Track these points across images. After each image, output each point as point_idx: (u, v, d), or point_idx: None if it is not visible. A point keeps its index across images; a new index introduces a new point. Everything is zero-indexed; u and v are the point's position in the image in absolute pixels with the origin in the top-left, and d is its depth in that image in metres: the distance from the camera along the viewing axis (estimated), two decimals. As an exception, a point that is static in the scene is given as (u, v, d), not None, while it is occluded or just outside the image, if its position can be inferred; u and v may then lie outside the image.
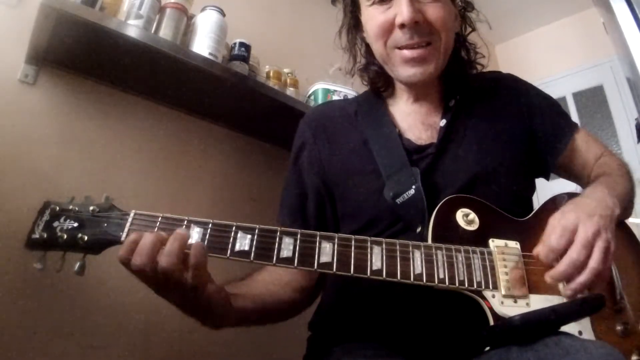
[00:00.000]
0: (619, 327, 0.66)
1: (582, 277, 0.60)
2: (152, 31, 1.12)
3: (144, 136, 1.28)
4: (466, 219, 0.68)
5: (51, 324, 1.00)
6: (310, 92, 1.51)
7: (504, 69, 1.02)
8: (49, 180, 1.08)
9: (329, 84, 1.49)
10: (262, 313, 0.74)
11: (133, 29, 1.05)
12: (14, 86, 1.09)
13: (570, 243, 0.61)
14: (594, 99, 2.60)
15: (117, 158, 1.21)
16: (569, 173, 0.88)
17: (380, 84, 0.90)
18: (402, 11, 0.73)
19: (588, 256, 0.60)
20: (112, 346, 1.08)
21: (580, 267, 0.60)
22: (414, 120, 0.85)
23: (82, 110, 1.18)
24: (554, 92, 2.59)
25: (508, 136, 0.83)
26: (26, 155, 1.07)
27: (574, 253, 0.60)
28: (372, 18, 0.79)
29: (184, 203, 1.32)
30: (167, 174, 1.31)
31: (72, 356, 1.02)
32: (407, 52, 0.77)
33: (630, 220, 0.81)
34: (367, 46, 0.89)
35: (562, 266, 0.60)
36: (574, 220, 0.62)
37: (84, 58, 1.14)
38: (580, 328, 0.62)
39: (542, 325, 0.57)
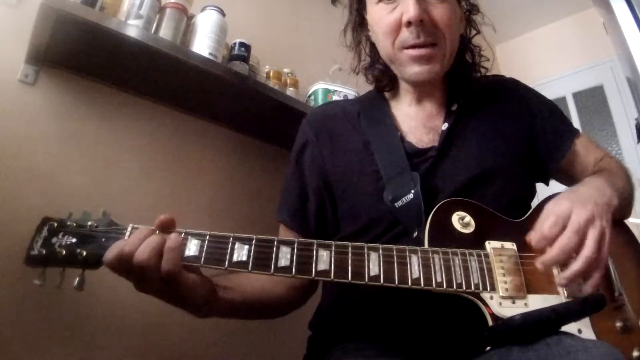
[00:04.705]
0: (618, 324, 0.66)
1: (576, 265, 0.59)
2: (152, 31, 1.12)
3: (144, 136, 1.28)
4: (462, 222, 0.69)
5: (51, 326, 1.01)
6: (310, 92, 1.51)
7: (504, 69, 1.03)
8: (49, 180, 1.08)
9: (329, 84, 1.49)
10: (250, 307, 0.74)
11: (133, 29, 1.04)
12: (14, 86, 1.09)
13: (563, 230, 0.60)
14: (594, 99, 2.60)
15: (117, 158, 1.21)
16: (568, 178, 0.88)
17: (384, 83, 0.90)
18: (408, 9, 0.75)
19: (580, 243, 0.60)
20: (112, 347, 1.08)
21: (571, 253, 0.59)
22: (416, 122, 0.86)
23: (82, 110, 1.18)
24: (554, 92, 2.61)
25: (509, 140, 0.83)
26: (26, 155, 1.07)
27: (565, 238, 0.59)
28: (380, 17, 0.80)
29: (184, 203, 1.32)
30: (167, 174, 1.31)
31: (73, 357, 1.02)
32: (413, 51, 0.77)
33: (630, 220, 0.81)
34: (372, 45, 0.89)
35: (553, 251, 0.60)
36: (568, 207, 0.62)
37: (84, 58, 1.14)
38: (579, 326, 0.62)
39: (543, 325, 0.57)
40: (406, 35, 0.77)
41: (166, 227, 0.61)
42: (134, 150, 1.25)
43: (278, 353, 1.34)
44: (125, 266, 0.57)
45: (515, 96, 0.90)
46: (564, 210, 0.62)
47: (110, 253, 0.58)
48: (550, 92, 0.94)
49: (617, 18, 1.54)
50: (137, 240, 0.58)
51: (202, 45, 1.19)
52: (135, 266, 0.56)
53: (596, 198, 0.64)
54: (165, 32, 1.14)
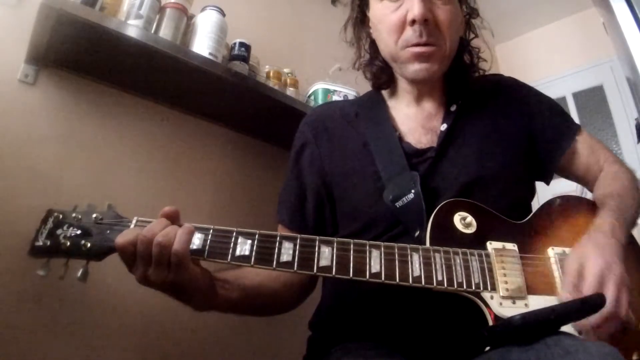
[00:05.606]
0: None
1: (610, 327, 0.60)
2: (152, 31, 1.12)
3: (144, 136, 1.28)
4: (464, 222, 0.69)
5: (52, 324, 1.01)
6: (310, 92, 1.51)
7: (504, 69, 1.03)
8: (49, 180, 1.08)
9: (329, 84, 1.49)
10: (248, 302, 0.74)
11: (133, 29, 1.05)
12: (14, 86, 1.09)
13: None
14: (594, 99, 2.60)
15: (117, 158, 1.22)
16: (570, 175, 0.88)
17: (382, 80, 0.91)
18: (413, 7, 0.75)
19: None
20: (112, 346, 1.08)
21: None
22: (414, 123, 0.86)
23: (82, 110, 1.18)
24: (554, 92, 2.60)
25: (508, 140, 0.83)
26: (26, 155, 1.07)
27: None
28: (384, 15, 0.81)
29: (184, 203, 1.32)
30: (167, 173, 1.31)
31: (73, 356, 1.02)
32: (415, 49, 0.78)
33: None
34: (372, 42, 0.90)
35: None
36: (600, 270, 0.61)
37: (84, 58, 1.14)
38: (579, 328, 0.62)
39: (543, 324, 0.57)
40: (410, 34, 0.77)
41: (171, 218, 0.62)
42: (134, 150, 1.25)
43: (278, 353, 1.34)
44: (141, 249, 0.57)
45: (515, 95, 0.90)
46: (600, 272, 0.61)
47: (125, 237, 0.58)
48: (550, 92, 0.94)
49: (617, 18, 1.54)
50: (156, 225, 0.59)
51: (202, 45, 1.19)
52: (154, 246, 0.57)
53: (615, 251, 0.65)
54: (165, 32, 1.14)
